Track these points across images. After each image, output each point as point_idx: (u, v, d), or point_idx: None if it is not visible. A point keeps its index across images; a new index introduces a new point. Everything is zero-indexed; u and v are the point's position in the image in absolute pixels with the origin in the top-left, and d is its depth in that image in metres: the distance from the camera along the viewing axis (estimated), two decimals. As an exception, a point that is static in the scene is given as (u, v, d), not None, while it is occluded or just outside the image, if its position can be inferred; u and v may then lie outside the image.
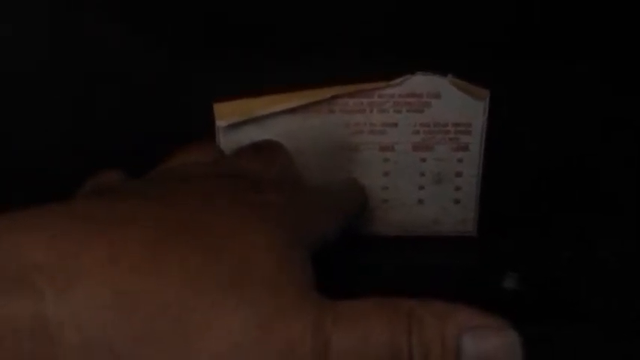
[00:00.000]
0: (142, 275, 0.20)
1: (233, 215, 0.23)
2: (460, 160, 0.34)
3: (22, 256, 0.19)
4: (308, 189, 0.30)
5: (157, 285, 0.20)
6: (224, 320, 0.20)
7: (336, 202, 0.31)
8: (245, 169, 0.28)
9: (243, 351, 0.20)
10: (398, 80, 0.32)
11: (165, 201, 0.23)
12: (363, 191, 0.34)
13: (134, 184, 0.27)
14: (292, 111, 0.33)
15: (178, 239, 0.21)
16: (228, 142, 0.33)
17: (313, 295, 0.22)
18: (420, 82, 0.32)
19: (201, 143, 0.31)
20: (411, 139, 0.34)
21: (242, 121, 0.33)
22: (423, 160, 0.34)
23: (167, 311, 0.20)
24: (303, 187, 0.30)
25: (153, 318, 0.19)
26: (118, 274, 0.20)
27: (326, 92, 0.32)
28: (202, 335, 0.20)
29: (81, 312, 0.19)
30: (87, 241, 0.20)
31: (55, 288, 0.19)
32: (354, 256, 0.31)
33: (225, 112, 0.33)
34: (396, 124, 0.33)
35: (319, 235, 0.27)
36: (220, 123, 0.33)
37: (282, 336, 0.21)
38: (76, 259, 0.19)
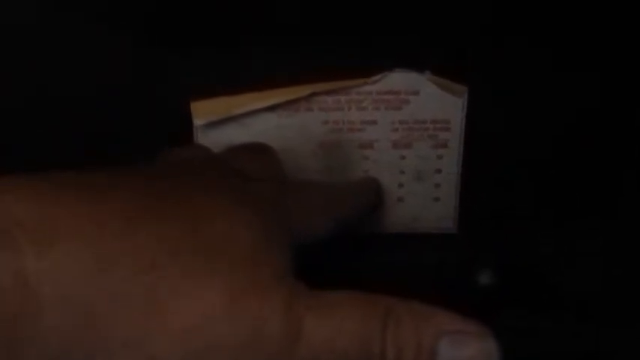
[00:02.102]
0: (121, 239, 0.20)
1: (218, 194, 0.23)
2: (440, 157, 0.34)
3: (6, 213, 0.19)
4: (298, 187, 0.30)
5: (134, 250, 0.20)
6: (196, 289, 0.21)
7: (331, 201, 0.30)
8: (235, 163, 0.28)
9: (212, 321, 0.21)
10: (376, 77, 0.32)
11: (153, 177, 0.24)
12: (374, 192, 0.34)
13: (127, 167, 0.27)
14: (270, 109, 0.33)
15: (159, 209, 0.22)
16: (206, 140, 0.32)
17: (289, 279, 0.22)
18: (398, 79, 0.32)
19: (191, 145, 0.32)
20: (390, 137, 0.33)
21: (220, 120, 0.32)
22: (403, 157, 0.34)
23: (142, 276, 0.20)
24: (292, 185, 0.30)
25: (128, 281, 0.20)
26: (98, 235, 0.20)
27: (304, 90, 0.32)
28: (174, 302, 0.20)
29: (60, 269, 0.19)
30: (70, 203, 0.20)
31: (35, 244, 0.19)
32: (333, 254, 0.31)
33: (203, 111, 0.32)
34: (374, 122, 0.33)
35: (305, 232, 0.27)
36: (198, 122, 0.32)
37: (253, 311, 0.21)
38: (58, 219, 0.20)
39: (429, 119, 0.33)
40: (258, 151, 0.30)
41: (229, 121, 0.33)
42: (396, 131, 0.33)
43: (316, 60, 0.32)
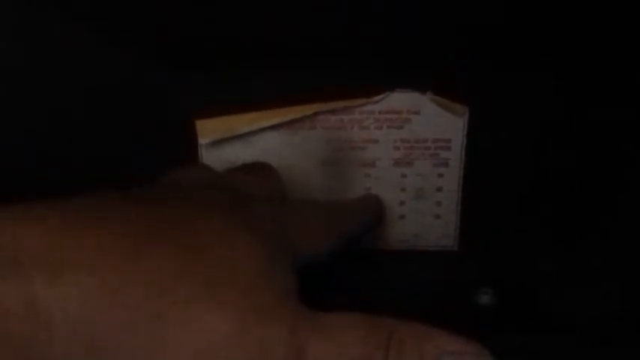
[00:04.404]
0: (126, 268, 0.21)
1: (220, 220, 0.24)
2: (440, 176, 0.34)
3: (17, 243, 0.20)
4: (299, 207, 0.30)
5: (139, 278, 0.21)
6: (201, 317, 0.21)
7: (333, 220, 0.31)
8: (237, 185, 0.28)
9: (218, 348, 0.21)
10: (378, 97, 0.33)
11: (157, 202, 0.24)
12: (375, 208, 0.34)
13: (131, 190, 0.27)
14: (274, 128, 0.33)
15: (163, 236, 0.22)
16: (210, 159, 0.33)
17: (292, 303, 0.23)
18: (399, 98, 0.33)
19: (194, 164, 0.32)
20: (392, 155, 0.34)
21: (224, 138, 0.33)
22: (404, 175, 0.34)
23: (147, 304, 0.21)
24: (293, 205, 0.30)
25: (134, 309, 0.20)
26: (105, 265, 0.21)
27: (307, 109, 0.33)
28: (179, 330, 0.21)
29: (68, 297, 0.20)
30: (77, 233, 0.21)
31: (44, 273, 0.20)
32: (335, 270, 0.31)
33: (208, 129, 0.33)
34: (376, 141, 0.34)
35: (306, 251, 0.27)
36: (203, 140, 0.33)
37: (257, 338, 0.21)
38: (66, 249, 0.21)
39: (430, 138, 0.34)
40: (259, 170, 0.31)
41: (233, 139, 0.33)
42: (398, 150, 0.34)
43: (320, 80, 0.33)
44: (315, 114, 0.33)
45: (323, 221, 0.30)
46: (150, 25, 0.33)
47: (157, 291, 0.21)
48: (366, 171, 0.34)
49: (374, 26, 0.33)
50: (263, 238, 0.24)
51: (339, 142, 0.34)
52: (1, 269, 0.20)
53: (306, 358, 0.22)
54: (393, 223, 0.35)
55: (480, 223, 0.35)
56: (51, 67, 0.33)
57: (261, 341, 0.21)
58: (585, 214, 0.35)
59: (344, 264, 0.32)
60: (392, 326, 0.23)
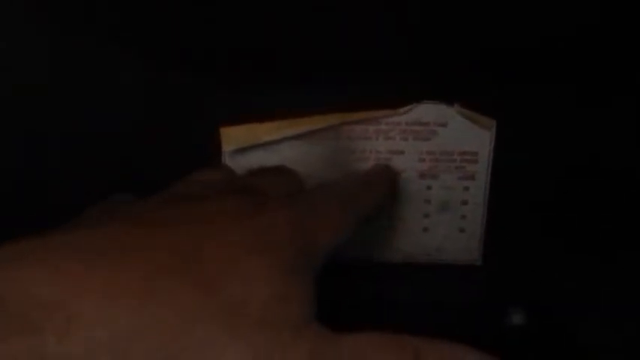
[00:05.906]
0: (136, 314, 0.20)
1: (233, 245, 0.23)
2: (466, 189, 0.34)
3: (25, 291, 0.19)
4: (312, 199, 0.28)
5: (150, 324, 0.20)
6: (218, 356, 0.20)
7: (346, 203, 0.29)
8: (255, 185, 0.28)
9: None
10: (404, 109, 0.32)
11: (165, 229, 0.23)
12: (389, 181, 0.33)
13: (138, 207, 0.26)
14: (298, 137, 0.33)
15: (173, 273, 0.21)
16: (234, 166, 0.33)
17: (312, 329, 0.22)
18: (426, 110, 0.33)
19: (213, 166, 0.31)
20: (417, 167, 0.34)
21: (248, 147, 0.33)
22: (429, 187, 0.34)
23: (161, 351, 0.20)
24: (306, 198, 0.28)
25: (149, 358, 0.20)
26: (115, 313, 0.20)
27: (332, 119, 0.32)
28: None
29: (79, 354, 0.19)
30: (86, 277, 0.20)
31: (54, 327, 0.19)
32: (358, 284, 0.31)
33: (232, 137, 0.33)
34: (402, 152, 0.33)
35: (327, 243, 0.26)
36: (227, 148, 0.33)
37: None
38: (75, 296, 0.20)
39: (456, 151, 0.33)
40: (280, 173, 0.30)
41: (257, 148, 0.33)
42: (423, 162, 0.34)
43: (346, 91, 0.32)
44: (340, 124, 0.33)
45: (338, 208, 0.28)
46: (174, 35, 0.33)
47: (169, 337, 0.20)
48: (390, 182, 0.34)
49: (403, 38, 0.32)
50: (280, 256, 0.23)
51: (364, 152, 0.33)
52: (6, 319, 0.19)
53: None
54: (416, 235, 0.35)
55: (505, 238, 0.34)
56: (72, 78, 0.33)
57: None
58: (615, 234, 0.35)
59: (366, 276, 0.32)
60: (418, 346, 0.22)
